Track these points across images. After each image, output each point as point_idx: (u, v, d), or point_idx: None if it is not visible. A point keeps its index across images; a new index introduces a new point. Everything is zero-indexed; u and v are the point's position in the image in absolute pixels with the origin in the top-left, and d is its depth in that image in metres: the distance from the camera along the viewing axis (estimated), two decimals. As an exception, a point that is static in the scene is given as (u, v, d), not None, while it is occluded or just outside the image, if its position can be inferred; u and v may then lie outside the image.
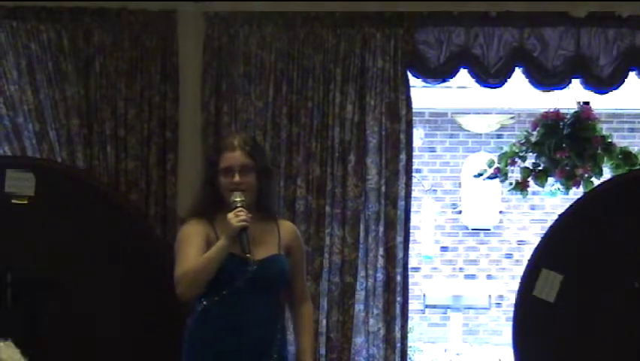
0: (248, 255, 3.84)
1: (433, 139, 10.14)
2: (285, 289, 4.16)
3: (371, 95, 5.09)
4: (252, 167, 4.01)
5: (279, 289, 4.05)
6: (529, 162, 5.65)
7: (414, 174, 5.32)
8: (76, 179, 4.98)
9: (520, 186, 5.68)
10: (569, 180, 5.52)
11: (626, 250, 4.88)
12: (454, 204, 10.21)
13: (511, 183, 5.75)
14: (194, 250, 3.94)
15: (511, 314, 5.16)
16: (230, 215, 3.85)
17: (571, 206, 5.07)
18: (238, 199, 3.90)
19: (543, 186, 5.66)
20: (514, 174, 5.73)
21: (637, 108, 9.62)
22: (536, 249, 5.06)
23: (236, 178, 3.96)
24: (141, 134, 5.11)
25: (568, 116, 5.56)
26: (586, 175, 5.48)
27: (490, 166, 5.81)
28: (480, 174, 5.92)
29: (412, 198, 5.19)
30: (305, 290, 4.20)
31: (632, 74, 5.15)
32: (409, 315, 5.22)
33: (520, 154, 5.66)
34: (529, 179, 5.63)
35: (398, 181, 5.09)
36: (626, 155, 5.58)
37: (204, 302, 3.95)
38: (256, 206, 4.02)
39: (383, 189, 5.09)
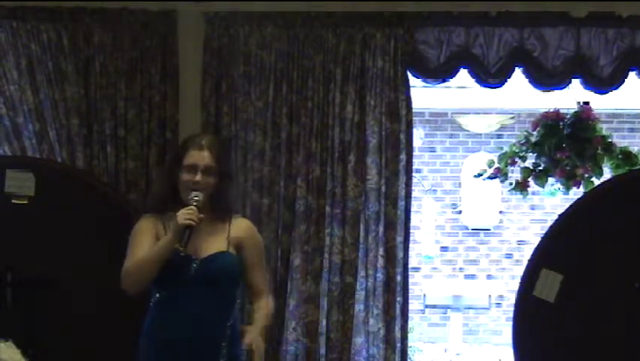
0: (181, 249, 3.86)
1: (433, 139, 10.13)
2: (245, 286, 4.16)
3: (371, 95, 5.09)
4: (215, 170, 4.02)
5: (229, 287, 4.04)
6: (529, 162, 5.65)
7: (414, 174, 5.32)
8: (76, 179, 4.98)
9: (521, 187, 5.67)
10: (570, 180, 5.51)
11: (626, 250, 4.88)
12: (454, 204, 10.20)
13: (511, 184, 5.75)
14: (143, 245, 3.98)
15: (511, 314, 5.16)
16: (180, 211, 3.89)
17: (571, 206, 5.08)
18: (196, 198, 3.93)
19: (543, 186, 5.66)
20: (515, 175, 5.73)
21: (637, 108, 9.61)
22: (536, 249, 5.06)
23: (198, 177, 3.98)
24: (141, 135, 5.12)
25: (568, 116, 5.56)
26: (586, 175, 5.48)
27: (490, 166, 5.81)
28: (480, 175, 5.92)
29: (412, 198, 5.19)
30: (263, 285, 4.14)
31: (632, 74, 5.15)
32: (409, 315, 5.22)
33: (521, 154, 5.66)
34: (530, 179, 5.63)
35: (398, 181, 5.09)
36: (626, 155, 5.58)
37: (155, 297, 4.00)
38: (210, 205, 4.02)
39: (383, 189, 5.09)
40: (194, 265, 3.96)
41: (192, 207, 3.90)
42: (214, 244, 4.02)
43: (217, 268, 3.99)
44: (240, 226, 4.12)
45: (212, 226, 4.04)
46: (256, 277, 4.12)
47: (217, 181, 4.03)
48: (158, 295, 4.00)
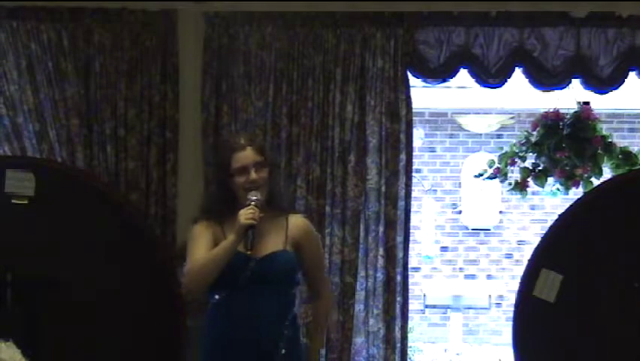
0: (249, 252, 3.87)
1: (433, 139, 10.13)
2: (305, 284, 4.18)
3: (371, 95, 5.09)
4: (264, 163, 4.05)
5: (286, 286, 4.06)
6: (528, 162, 5.65)
7: (414, 174, 5.32)
8: (76, 179, 4.98)
9: (520, 187, 5.68)
10: (569, 180, 5.52)
11: (626, 250, 4.88)
12: (454, 204, 10.20)
13: (510, 184, 5.75)
14: (203, 248, 3.98)
15: (511, 314, 5.16)
16: (241, 212, 3.90)
17: (571, 206, 5.07)
18: (254, 198, 3.94)
19: (543, 187, 5.66)
20: (514, 174, 5.73)
21: (637, 108, 9.60)
22: (536, 249, 5.06)
23: (253, 176, 4.00)
24: (141, 134, 5.12)
25: (568, 116, 5.56)
26: (585, 175, 5.48)
27: (491, 166, 5.81)
28: (481, 175, 5.92)
29: (412, 198, 5.19)
30: (321, 284, 4.20)
31: (632, 74, 5.15)
32: (409, 315, 5.22)
33: (520, 154, 5.66)
34: (529, 179, 5.64)
35: (398, 181, 5.10)
36: (626, 155, 5.58)
37: (212, 300, 3.99)
38: (265, 201, 4.03)
39: (383, 189, 5.09)
40: (252, 265, 3.96)
41: (252, 206, 3.91)
42: (271, 242, 4.02)
43: (275, 267, 4.00)
44: (297, 224, 4.12)
45: (269, 224, 4.03)
46: (314, 277, 4.16)
47: (269, 174, 4.06)
48: (216, 296, 4.00)
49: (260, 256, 3.97)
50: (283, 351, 3.98)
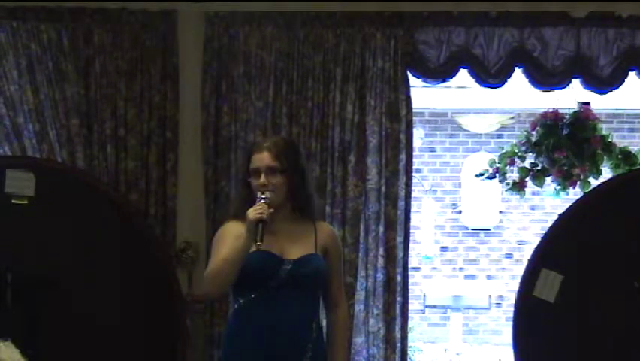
0: (259, 243, 3.82)
1: (433, 139, 10.13)
2: (323, 292, 4.17)
3: (371, 95, 5.09)
4: (278, 168, 3.98)
5: (316, 289, 4.05)
6: (527, 162, 5.65)
7: (414, 174, 5.32)
8: (76, 179, 4.98)
9: (518, 187, 5.68)
10: (566, 180, 5.52)
11: (626, 250, 4.88)
12: (454, 204, 10.20)
13: (508, 183, 5.75)
14: (224, 249, 3.94)
15: (511, 314, 5.16)
16: (250, 209, 3.86)
17: (571, 206, 5.07)
18: (263, 196, 3.90)
19: (541, 186, 5.66)
20: (514, 174, 5.73)
21: (637, 108, 9.61)
22: (536, 249, 5.06)
23: (262, 179, 3.94)
24: (141, 134, 5.12)
25: (567, 116, 5.57)
26: (582, 176, 5.48)
27: (491, 166, 5.81)
28: (481, 174, 5.92)
29: (412, 198, 5.19)
30: (340, 293, 4.16)
31: (632, 74, 5.15)
32: (409, 315, 5.22)
33: (520, 154, 5.66)
34: (527, 179, 5.64)
35: (398, 181, 5.10)
36: (626, 155, 5.59)
37: (241, 300, 3.97)
38: (292, 207, 4.01)
39: (383, 189, 5.09)
40: (287, 267, 3.93)
41: (261, 203, 3.86)
42: (302, 246, 3.98)
43: (309, 269, 3.96)
44: (325, 231, 4.10)
45: (297, 228, 4.00)
46: (334, 286, 4.11)
47: (287, 180, 3.98)
48: (242, 300, 3.96)
49: (291, 258, 3.94)
50: (310, 354, 3.97)
